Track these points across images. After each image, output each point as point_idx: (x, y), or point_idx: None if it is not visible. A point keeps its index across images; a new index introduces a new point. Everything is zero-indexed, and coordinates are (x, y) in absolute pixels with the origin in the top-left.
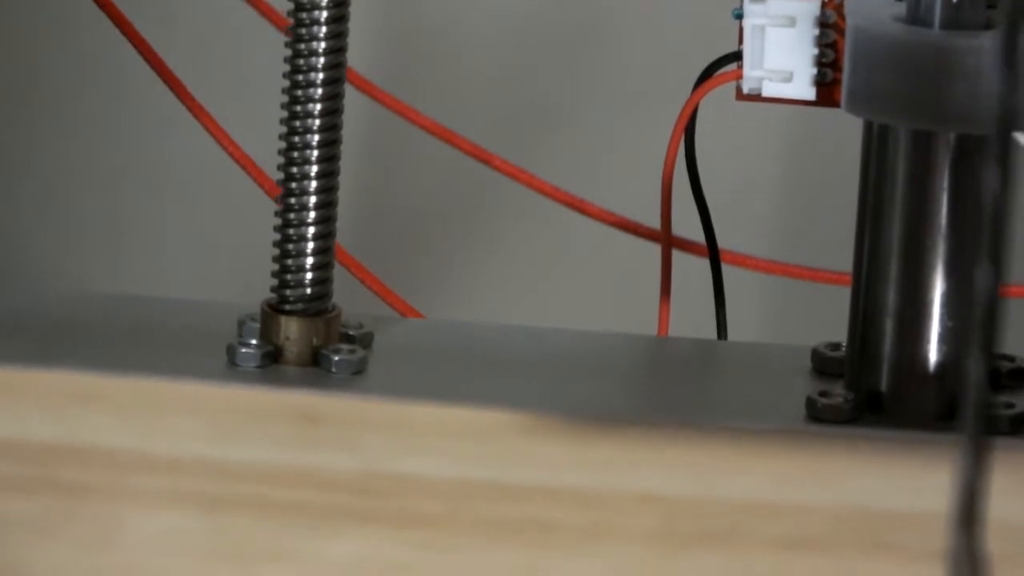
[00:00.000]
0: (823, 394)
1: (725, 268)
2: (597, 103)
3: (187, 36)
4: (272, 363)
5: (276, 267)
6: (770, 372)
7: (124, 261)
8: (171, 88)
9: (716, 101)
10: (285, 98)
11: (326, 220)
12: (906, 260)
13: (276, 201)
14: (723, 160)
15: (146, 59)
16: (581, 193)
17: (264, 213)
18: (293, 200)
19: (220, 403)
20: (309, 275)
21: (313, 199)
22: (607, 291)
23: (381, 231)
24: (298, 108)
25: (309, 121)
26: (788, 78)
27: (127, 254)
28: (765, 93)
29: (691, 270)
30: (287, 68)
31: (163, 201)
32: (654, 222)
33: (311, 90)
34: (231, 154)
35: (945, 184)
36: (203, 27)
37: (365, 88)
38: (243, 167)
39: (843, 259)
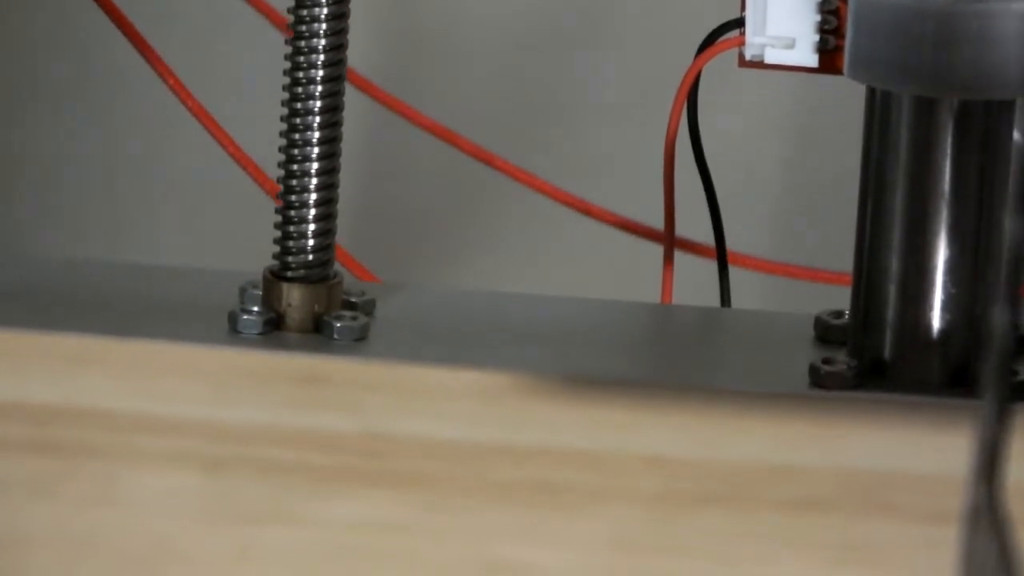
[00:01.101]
0: (826, 361)
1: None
2: (598, 103)
3: (187, 36)
4: (274, 330)
5: (278, 233)
6: (773, 340)
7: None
8: (171, 88)
9: (715, 99)
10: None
11: (329, 186)
12: (909, 226)
13: (278, 166)
14: (722, 154)
15: (146, 59)
16: (582, 193)
17: (264, 213)
18: (295, 167)
19: (221, 366)
20: (311, 241)
21: (315, 165)
22: (608, 292)
23: (381, 231)
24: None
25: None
26: (791, 45)
27: (126, 254)
28: (768, 60)
29: (692, 269)
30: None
31: (163, 201)
32: (656, 222)
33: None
34: (231, 154)
35: (948, 150)
36: (203, 27)
37: (365, 88)
38: (243, 167)
39: (845, 242)
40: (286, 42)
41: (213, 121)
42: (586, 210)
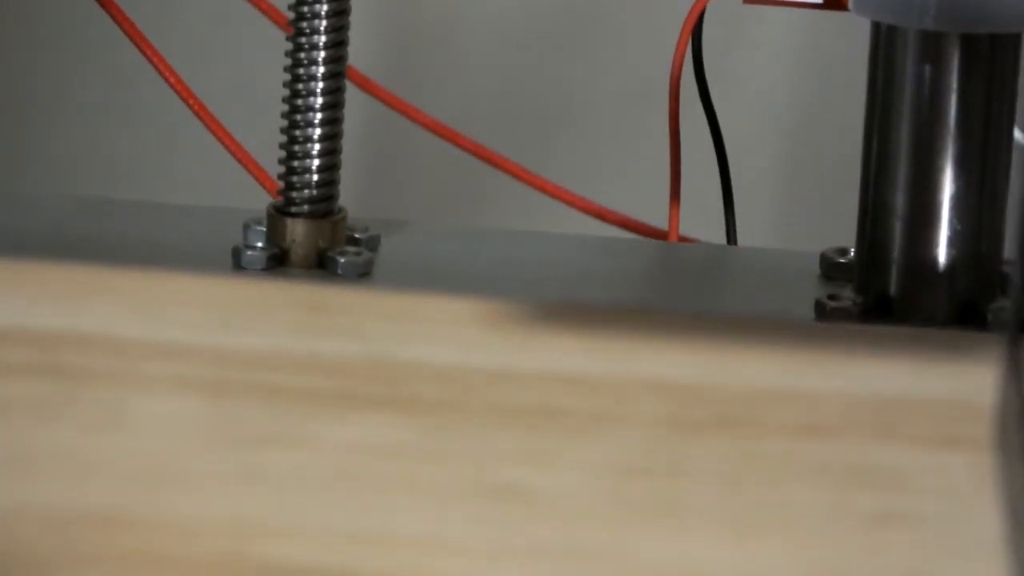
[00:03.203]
0: (832, 297)
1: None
2: (599, 101)
3: (187, 35)
4: (278, 266)
5: (282, 169)
6: (779, 276)
7: None
8: (172, 87)
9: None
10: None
11: (333, 121)
12: (914, 163)
13: (283, 101)
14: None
15: (147, 58)
16: (582, 191)
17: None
18: (300, 101)
19: (226, 294)
20: (315, 176)
21: (320, 100)
22: None
23: None
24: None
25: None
26: None
27: None
28: None
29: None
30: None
31: (163, 200)
32: (656, 221)
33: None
34: (232, 153)
35: (954, 85)
36: (203, 27)
37: (366, 86)
38: (243, 166)
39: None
40: (287, 39)
41: (214, 119)
42: (586, 208)
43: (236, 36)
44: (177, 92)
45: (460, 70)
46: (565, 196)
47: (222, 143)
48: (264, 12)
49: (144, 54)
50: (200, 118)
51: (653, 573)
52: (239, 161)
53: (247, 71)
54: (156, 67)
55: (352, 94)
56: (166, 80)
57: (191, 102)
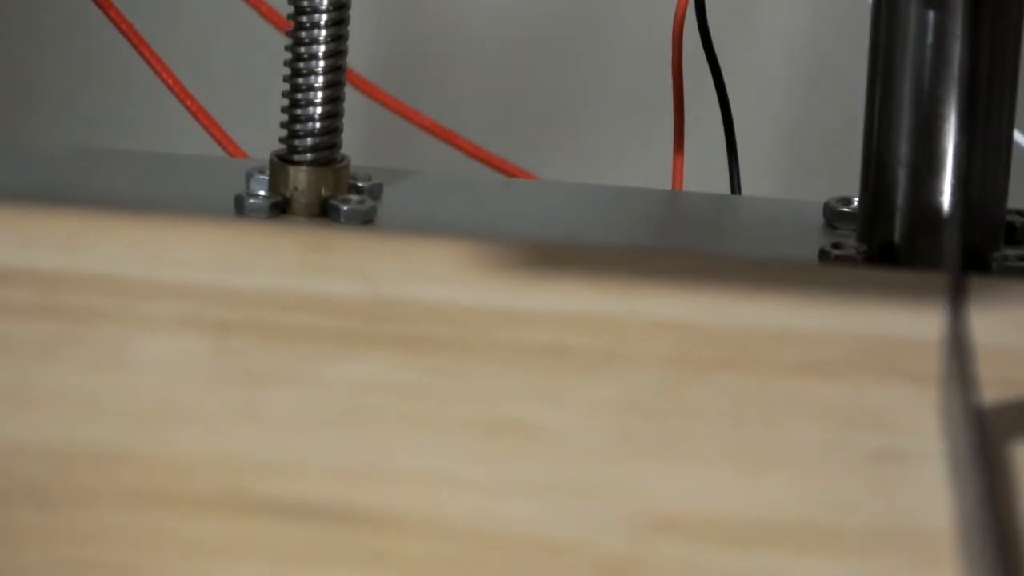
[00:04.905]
0: (836, 246)
1: None
2: (597, 103)
3: (187, 36)
4: (280, 214)
5: (285, 117)
6: (783, 225)
7: None
8: (171, 88)
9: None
10: (289, 44)
11: (336, 69)
12: (918, 112)
13: (285, 49)
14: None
15: (146, 59)
16: None
17: None
18: (302, 49)
19: (228, 236)
20: (319, 124)
21: (323, 48)
22: None
23: None
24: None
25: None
26: None
27: None
28: None
29: None
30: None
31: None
32: None
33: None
34: (231, 154)
35: (958, 32)
36: (203, 27)
37: (365, 88)
38: None
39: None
40: (287, 41)
41: (212, 121)
42: None
43: (235, 38)
44: (174, 93)
45: (460, 72)
46: None
47: (219, 144)
48: (264, 15)
49: (142, 55)
50: (198, 119)
51: (657, 509)
52: None
53: (246, 73)
54: (153, 68)
55: (351, 95)
56: (164, 81)
57: (188, 103)
